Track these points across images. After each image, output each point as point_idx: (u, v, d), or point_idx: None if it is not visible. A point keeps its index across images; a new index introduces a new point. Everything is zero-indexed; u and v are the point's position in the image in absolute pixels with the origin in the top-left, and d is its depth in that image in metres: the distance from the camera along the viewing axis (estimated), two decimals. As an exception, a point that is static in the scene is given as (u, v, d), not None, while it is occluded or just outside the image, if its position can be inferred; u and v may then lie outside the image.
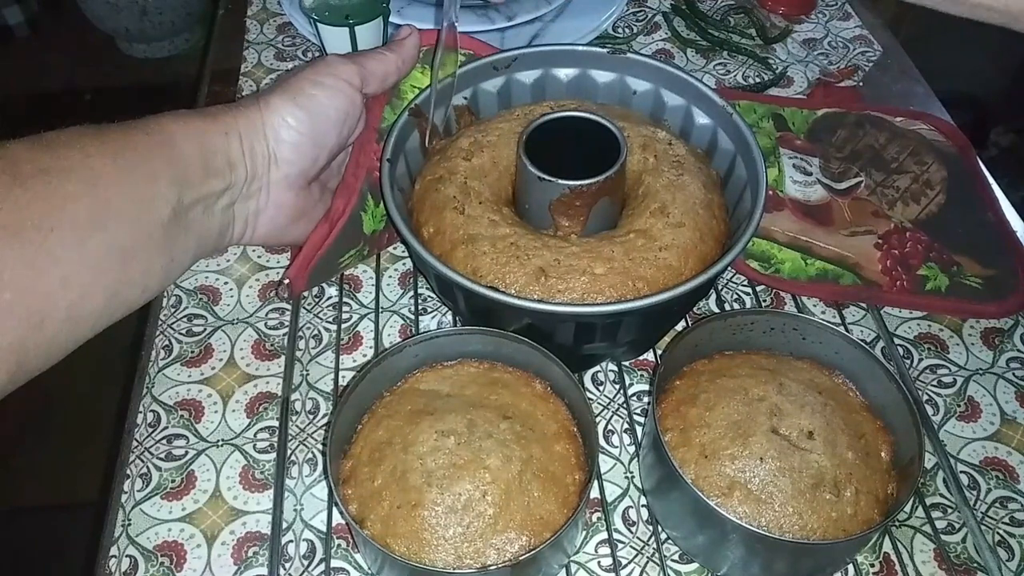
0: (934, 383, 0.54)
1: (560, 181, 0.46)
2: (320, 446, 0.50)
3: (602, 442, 0.51)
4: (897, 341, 0.56)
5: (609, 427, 0.52)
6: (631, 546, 0.46)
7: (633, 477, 0.49)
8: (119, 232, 0.40)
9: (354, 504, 0.41)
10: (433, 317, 0.57)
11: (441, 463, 0.41)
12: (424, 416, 0.43)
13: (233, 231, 0.48)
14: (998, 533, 0.47)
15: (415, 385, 0.47)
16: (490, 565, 0.39)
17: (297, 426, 0.51)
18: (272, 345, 0.55)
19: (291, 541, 0.46)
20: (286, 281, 0.51)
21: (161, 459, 0.49)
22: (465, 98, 0.56)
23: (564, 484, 0.42)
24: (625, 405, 0.52)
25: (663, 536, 0.47)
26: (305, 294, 0.57)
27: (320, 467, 0.49)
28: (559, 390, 0.46)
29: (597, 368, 0.54)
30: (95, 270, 0.39)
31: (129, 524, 0.47)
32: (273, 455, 0.50)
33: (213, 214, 0.46)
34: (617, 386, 0.53)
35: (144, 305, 0.57)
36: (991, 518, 0.48)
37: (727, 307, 0.58)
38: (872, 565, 0.46)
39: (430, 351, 0.47)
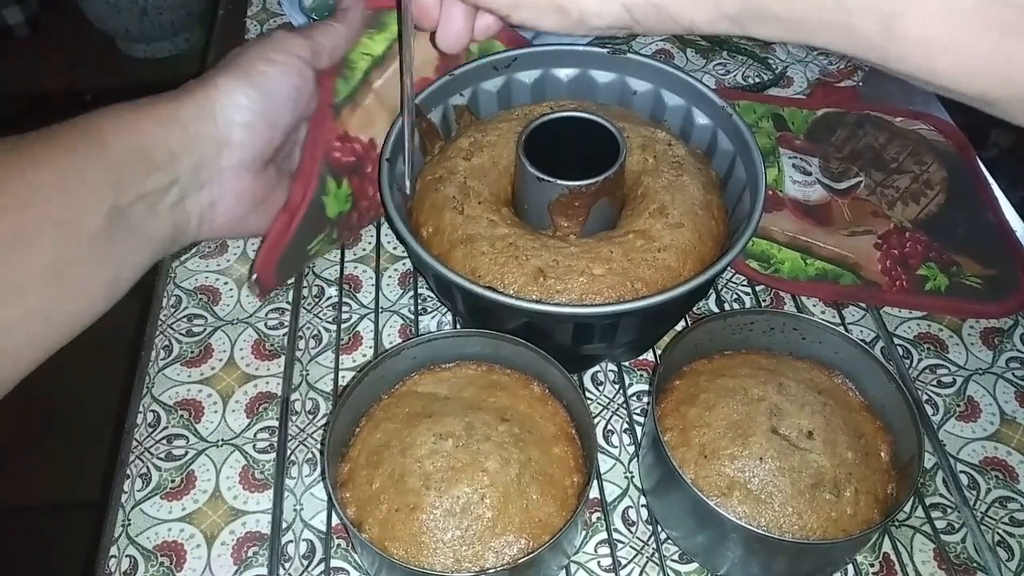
0: (934, 383, 0.54)
1: (559, 182, 0.46)
2: (320, 446, 0.50)
3: (602, 442, 0.51)
4: (897, 341, 0.56)
5: (609, 427, 0.52)
6: (631, 546, 0.46)
7: (633, 477, 0.49)
8: (44, 249, 0.36)
9: (352, 507, 0.41)
10: (433, 317, 0.57)
11: (439, 466, 0.41)
12: (422, 419, 0.43)
13: (189, 227, 0.45)
14: (998, 533, 0.47)
15: (413, 388, 0.47)
16: (488, 568, 0.39)
17: (297, 426, 0.51)
18: (272, 345, 0.55)
19: (291, 541, 0.46)
20: (254, 277, 0.49)
21: (161, 459, 0.49)
22: (463, 95, 0.56)
23: (563, 486, 0.42)
24: (625, 405, 0.52)
25: (663, 536, 0.47)
26: (305, 294, 0.57)
27: (320, 467, 0.49)
28: (557, 392, 0.46)
29: (597, 368, 0.54)
30: (21, 294, 0.35)
31: (129, 524, 0.47)
32: (273, 455, 0.50)
33: (160, 212, 0.42)
34: (617, 386, 0.53)
35: (144, 305, 0.57)
36: (991, 518, 0.48)
37: (727, 307, 0.58)
38: (872, 565, 0.46)
39: (428, 353, 0.47)
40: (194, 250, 0.60)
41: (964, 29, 0.26)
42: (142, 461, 0.49)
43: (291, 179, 0.51)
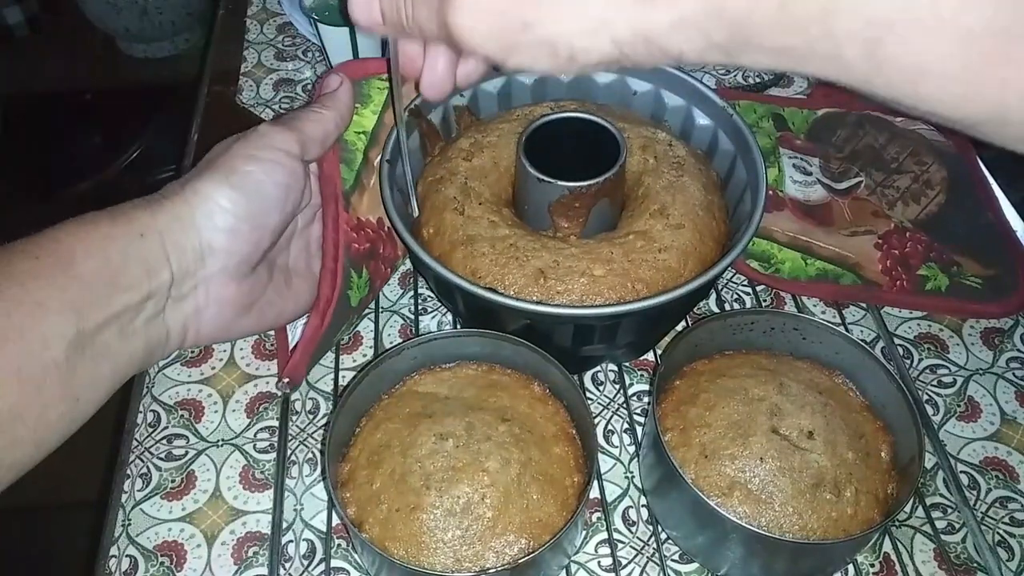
0: (934, 383, 0.54)
1: (559, 183, 0.46)
2: (320, 446, 0.50)
3: (602, 442, 0.51)
4: (897, 341, 0.56)
5: (609, 427, 0.52)
6: (631, 546, 0.46)
7: (633, 477, 0.49)
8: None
9: (353, 507, 0.41)
10: (433, 317, 0.57)
11: (440, 466, 0.41)
12: (422, 419, 0.43)
13: (169, 340, 0.42)
14: (998, 533, 0.47)
15: (413, 388, 0.47)
16: (489, 568, 0.39)
17: (297, 426, 0.51)
18: (272, 345, 0.55)
19: (291, 541, 0.46)
20: (285, 380, 0.47)
21: (161, 459, 0.49)
22: (463, 96, 0.56)
23: (563, 486, 0.42)
24: (625, 405, 0.52)
25: (663, 536, 0.47)
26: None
27: (320, 467, 0.49)
28: (558, 392, 0.46)
29: (597, 368, 0.54)
30: None
31: (129, 524, 0.47)
32: (273, 455, 0.50)
33: (133, 331, 0.39)
34: (617, 386, 0.53)
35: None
36: (991, 518, 0.48)
37: (727, 307, 0.58)
38: (872, 565, 0.46)
39: (428, 353, 0.47)
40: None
41: (952, 57, 0.26)
42: (142, 461, 0.49)
43: (289, 278, 0.48)
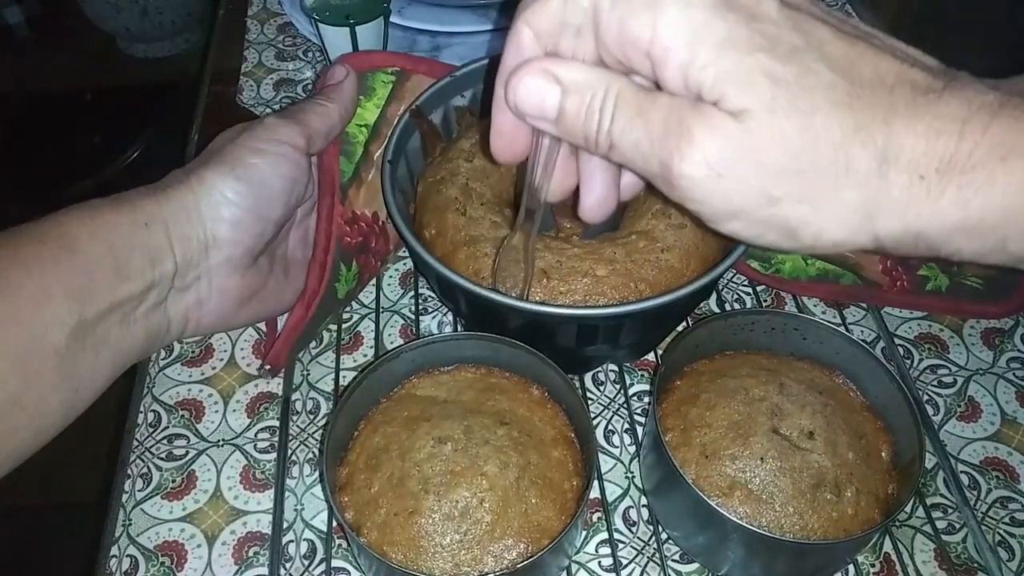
0: (934, 383, 0.54)
1: None
2: (320, 446, 0.50)
3: (603, 442, 0.51)
4: (897, 341, 0.56)
5: (610, 427, 0.52)
6: (632, 546, 0.46)
7: (634, 477, 0.49)
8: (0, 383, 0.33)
9: (351, 511, 0.41)
10: (434, 317, 0.57)
11: (438, 470, 0.41)
12: (421, 422, 0.43)
13: (170, 330, 0.43)
14: (998, 533, 0.47)
15: (412, 391, 0.46)
16: (488, 572, 0.39)
17: (298, 426, 0.51)
18: (272, 345, 0.55)
19: (292, 541, 0.46)
20: (267, 367, 0.48)
21: (162, 459, 0.49)
22: (463, 97, 0.56)
23: (562, 490, 0.42)
24: (626, 405, 0.52)
25: (664, 536, 0.47)
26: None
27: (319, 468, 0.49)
28: (556, 395, 0.46)
29: (598, 368, 0.54)
30: None
31: (130, 524, 0.47)
32: (274, 455, 0.50)
33: (135, 320, 0.40)
34: (618, 386, 0.53)
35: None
36: (991, 518, 0.48)
37: (728, 307, 0.58)
38: (872, 565, 0.46)
39: (427, 356, 0.47)
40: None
41: None
42: (143, 461, 0.49)
43: (288, 269, 0.49)
